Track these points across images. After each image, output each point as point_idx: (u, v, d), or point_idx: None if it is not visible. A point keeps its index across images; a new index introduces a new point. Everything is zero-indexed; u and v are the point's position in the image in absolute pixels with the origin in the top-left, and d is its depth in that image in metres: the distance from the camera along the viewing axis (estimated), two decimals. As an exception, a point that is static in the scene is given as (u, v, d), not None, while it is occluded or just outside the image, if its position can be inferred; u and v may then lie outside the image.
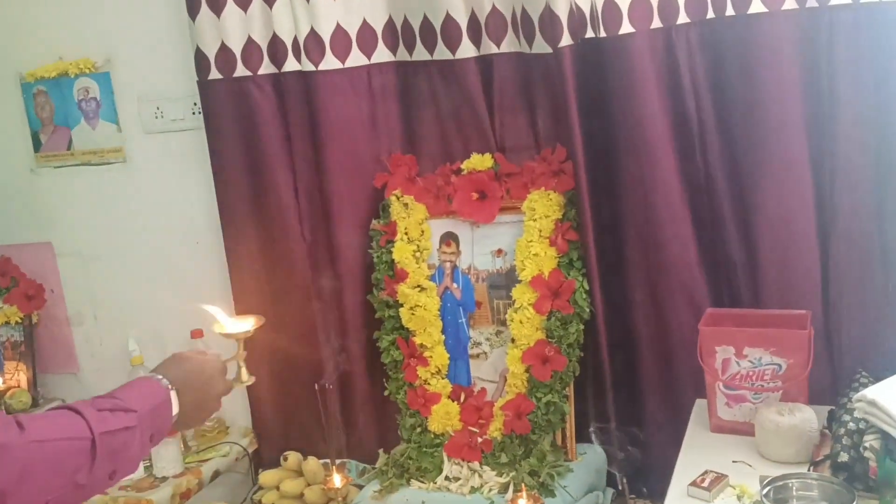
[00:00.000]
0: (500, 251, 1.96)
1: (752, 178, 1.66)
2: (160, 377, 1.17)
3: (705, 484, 1.39)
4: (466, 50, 1.88)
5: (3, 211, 2.52)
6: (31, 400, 2.51)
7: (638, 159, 1.72)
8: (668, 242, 1.75)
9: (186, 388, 1.19)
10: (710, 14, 1.64)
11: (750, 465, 1.46)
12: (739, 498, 1.37)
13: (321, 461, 2.06)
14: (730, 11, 1.61)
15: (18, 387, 2.49)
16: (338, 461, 2.08)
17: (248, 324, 1.35)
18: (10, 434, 0.97)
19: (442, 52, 1.91)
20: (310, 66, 1.98)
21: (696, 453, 1.54)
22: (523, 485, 1.67)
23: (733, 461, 1.48)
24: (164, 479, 2.09)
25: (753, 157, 1.65)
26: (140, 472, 2.11)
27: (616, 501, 1.88)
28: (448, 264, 2.02)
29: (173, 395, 1.16)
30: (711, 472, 1.42)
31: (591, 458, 1.88)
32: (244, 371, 1.35)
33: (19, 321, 2.51)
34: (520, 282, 1.87)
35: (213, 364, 1.27)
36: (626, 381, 1.88)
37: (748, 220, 1.68)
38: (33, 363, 2.54)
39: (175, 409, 1.17)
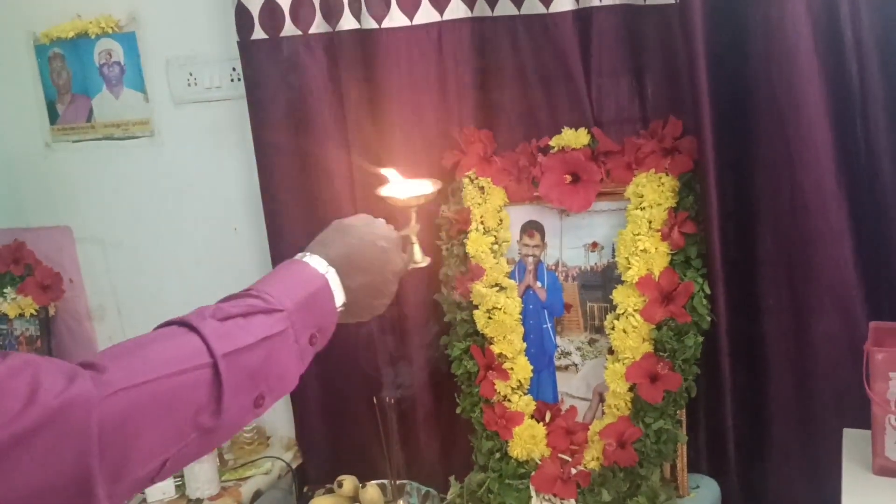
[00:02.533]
0: (595, 245, 1.65)
1: None
2: (315, 257, 0.94)
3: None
4: (564, 2, 1.56)
5: (16, 191, 2.26)
6: (48, 401, 2.26)
7: (784, 134, 1.40)
8: (817, 237, 1.42)
9: (352, 267, 0.96)
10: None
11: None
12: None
13: (377, 482, 1.78)
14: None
15: (34, 388, 2.23)
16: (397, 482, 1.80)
17: (424, 187, 1.12)
18: (82, 387, 0.68)
19: (532, 6, 1.59)
20: (371, 24, 1.66)
21: (859, 500, 1.23)
22: (638, 534, 1.37)
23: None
24: (199, 501, 1.82)
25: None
26: (171, 493, 1.84)
27: (733, 544, 1.59)
28: (531, 259, 1.71)
29: (334, 277, 0.93)
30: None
31: (705, 494, 1.58)
32: (418, 249, 1.11)
33: (35, 314, 2.24)
34: (622, 282, 1.56)
35: (385, 233, 1.03)
36: (751, 403, 1.56)
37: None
38: (51, 361, 2.28)
39: (340, 299, 0.94)
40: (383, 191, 1.16)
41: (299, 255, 0.96)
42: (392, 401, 1.79)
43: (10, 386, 0.64)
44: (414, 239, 1.12)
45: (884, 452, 1.29)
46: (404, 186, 1.15)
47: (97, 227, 2.18)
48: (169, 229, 2.10)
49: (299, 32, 1.73)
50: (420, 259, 1.12)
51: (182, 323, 0.80)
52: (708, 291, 1.50)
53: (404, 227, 1.12)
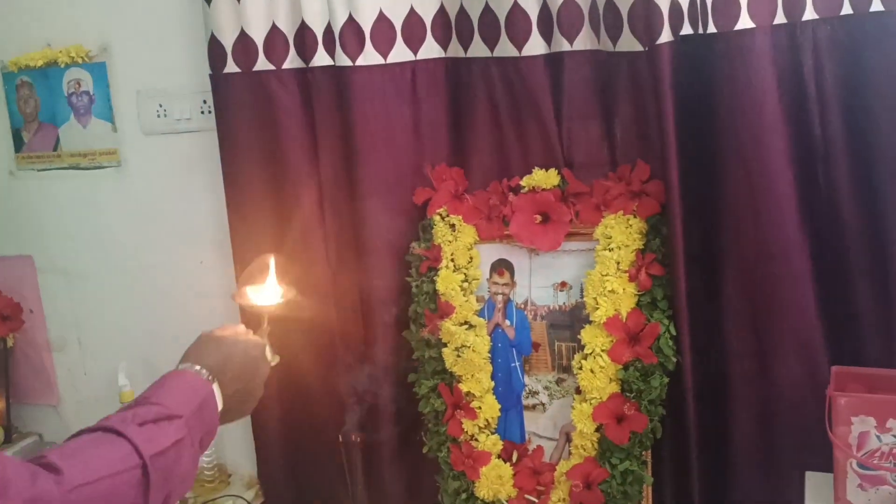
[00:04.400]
0: (563, 284, 1.67)
1: (891, 210, 1.37)
2: (197, 367, 1.04)
3: None
4: (535, 46, 1.59)
5: (-22, 219, 2.21)
6: (2, 434, 2.20)
7: (748, 181, 1.43)
8: (780, 281, 1.45)
9: (227, 375, 1.07)
10: (847, 10, 1.35)
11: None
12: None
13: (341, 522, 1.76)
14: (876, 6, 1.32)
15: (-11, 420, 2.17)
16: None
17: (274, 295, 1.23)
18: (45, 484, 0.80)
19: (505, 48, 1.61)
20: (345, 61, 1.67)
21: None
22: (605, 577, 1.37)
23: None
24: (156, 540, 1.77)
25: (893, 186, 1.36)
26: (128, 532, 1.79)
27: (698, 587, 1.59)
28: (500, 297, 1.71)
29: (215, 386, 1.04)
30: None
31: (670, 535, 1.58)
32: (269, 350, 1.20)
33: (-8, 345, 2.19)
34: (590, 322, 1.58)
35: (252, 342, 1.15)
36: (714, 445, 1.58)
37: (884, 261, 1.39)
38: (7, 392, 2.22)
39: (220, 405, 1.05)
40: (238, 298, 1.28)
41: (183, 365, 1.06)
42: (357, 439, 1.77)
43: None
44: (265, 340, 1.22)
45: (846, 496, 1.31)
46: (260, 292, 1.27)
47: (60, 257, 2.15)
48: (134, 261, 2.07)
49: (272, 67, 1.73)
50: (271, 358, 1.22)
51: (107, 429, 0.90)
52: (674, 333, 1.52)
53: (258, 329, 1.23)
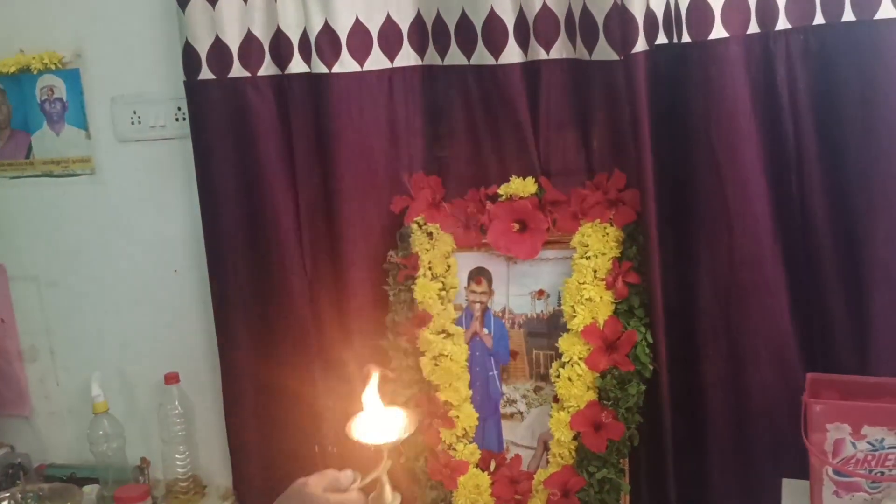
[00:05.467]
0: (541, 292, 1.66)
1: (862, 219, 1.38)
2: None
3: None
4: (512, 54, 1.59)
5: (-53, 226, 2.17)
6: (-28, 447, 2.16)
7: (722, 190, 1.44)
8: (754, 289, 1.46)
9: None
10: (819, 19, 1.37)
11: (876, 577, 1.18)
12: None
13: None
14: (848, 16, 1.34)
15: (-43, 433, 2.13)
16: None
17: (397, 428, 1.10)
18: None
19: (482, 56, 1.61)
20: (321, 68, 1.67)
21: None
22: (582, 587, 1.36)
23: (854, 570, 1.19)
24: (130, 553, 1.75)
25: (866, 195, 1.37)
26: (101, 547, 1.77)
27: None
28: (478, 306, 1.71)
29: None
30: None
31: (647, 543, 1.58)
32: (388, 490, 1.09)
33: (-39, 355, 2.15)
34: (568, 330, 1.57)
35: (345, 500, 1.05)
36: (690, 452, 1.58)
37: (855, 269, 1.40)
38: (-23, 404, 2.18)
39: None
40: (355, 433, 1.14)
41: None
42: (334, 450, 1.76)
43: None
44: (385, 479, 1.10)
45: (822, 503, 1.31)
46: (376, 426, 1.13)
47: (32, 265, 2.11)
48: (107, 269, 2.04)
49: (248, 74, 1.72)
50: (390, 501, 1.10)
51: None
52: (650, 340, 1.52)
53: (375, 468, 1.11)
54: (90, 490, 1.98)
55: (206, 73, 1.73)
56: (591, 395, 1.54)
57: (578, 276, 1.56)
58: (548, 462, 1.61)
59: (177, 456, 1.95)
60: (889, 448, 1.25)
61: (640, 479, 1.61)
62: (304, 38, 1.67)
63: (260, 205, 1.78)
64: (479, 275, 1.71)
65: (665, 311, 1.52)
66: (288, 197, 1.78)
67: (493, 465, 1.65)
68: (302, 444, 1.82)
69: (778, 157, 1.42)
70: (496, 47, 1.59)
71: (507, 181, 1.65)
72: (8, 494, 1.91)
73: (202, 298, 1.92)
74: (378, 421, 1.12)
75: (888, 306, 1.38)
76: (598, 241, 1.56)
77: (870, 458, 1.26)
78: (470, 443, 1.66)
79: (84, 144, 1.99)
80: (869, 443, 1.26)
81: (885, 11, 1.31)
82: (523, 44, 1.59)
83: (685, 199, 1.50)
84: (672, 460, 1.58)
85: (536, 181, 1.64)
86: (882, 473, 1.26)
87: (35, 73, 1.97)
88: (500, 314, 1.69)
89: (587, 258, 1.56)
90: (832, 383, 1.36)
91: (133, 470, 1.96)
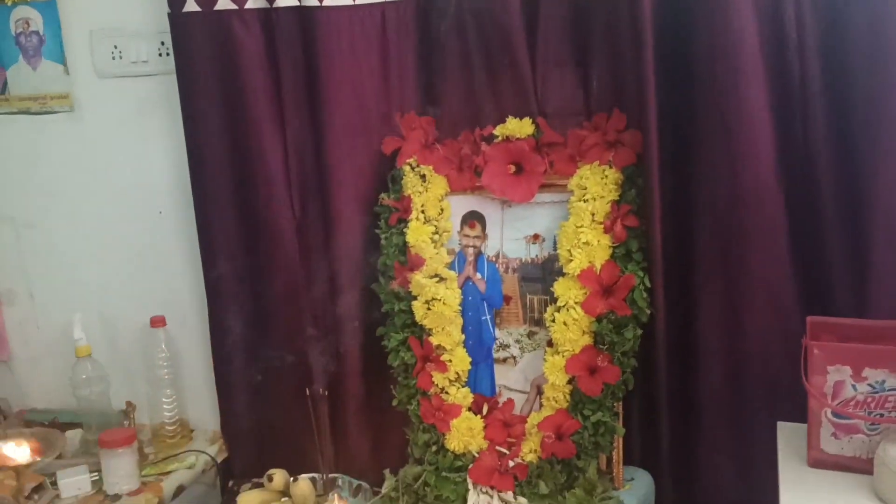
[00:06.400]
0: (536, 237, 1.64)
1: (867, 162, 1.35)
2: None
3: (831, 545, 1.10)
4: (512, -14, 1.54)
5: (-81, 166, 2.09)
6: (-49, 392, 2.12)
7: (726, 129, 1.40)
8: (754, 232, 1.44)
9: None
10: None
11: (872, 517, 1.18)
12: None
13: (307, 476, 1.72)
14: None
15: (-65, 378, 2.08)
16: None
17: None
18: None
19: (480, -12, 1.56)
20: (311, 1, 1.60)
21: (796, 494, 1.24)
22: (578, 528, 1.36)
23: (848, 510, 1.20)
24: (118, 497, 1.72)
25: (872, 137, 1.34)
26: (87, 488, 1.74)
27: (665, 536, 1.60)
28: (471, 250, 1.68)
29: None
30: (834, 528, 1.13)
31: (639, 486, 1.58)
32: None
33: (-63, 298, 2.09)
34: (564, 275, 1.55)
35: None
36: (685, 396, 1.57)
37: (857, 211, 1.38)
38: (-46, 348, 2.13)
39: None
40: None
41: None
42: (324, 392, 1.74)
43: None
44: None
45: (819, 445, 1.31)
46: None
47: (10, 206, 2.04)
48: (88, 211, 1.98)
49: (234, 6, 1.65)
50: None
51: None
52: (648, 285, 1.50)
53: None
54: (73, 435, 1.95)
55: (191, 5, 1.66)
56: (587, 340, 1.53)
57: (576, 220, 1.53)
58: (541, 406, 1.60)
59: (163, 400, 1.92)
60: (889, 390, 1.24)
61: (632, 423, 1.61)
62: (294, -32, 1.60)
63: (246, 144, 1.73)
64: (472, 218, 1.68)
65: (664, 255, 1.50)
66: (275, 136, 1.72)
67: (485, 409, 1.64)
68: (291, 387, 1.80)
69: (783, 95, 1.39)
70: (496, -22, 1.54)
71: (503, 121, 1.62)
72: (-12, 439, 1.88)
73: (188, 240, 1.88)
74: None
75: (889, 250, 1.37)
76: (596, 184, 1.53)
77: (870, 400, 1.26)
78: (462, 387, 1.65)
79: (62, 80, 1.92)
80: (870, 385, 1.25)
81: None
82: (523, -26, 1.54)
83: (687, 140, 1.46)
84: (666, 404, 1.57)
85: (533, 122, 1.60)
86: (881, 415, 1.26)
87: (9, 4, 1.89)
88: (494, 258, 1.67)
89: (585, 201, 1.53)
90: (833, 326, 1.35)
91: (118, 414, 1.93)
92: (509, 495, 1.52)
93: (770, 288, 1.46)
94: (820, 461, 1.31)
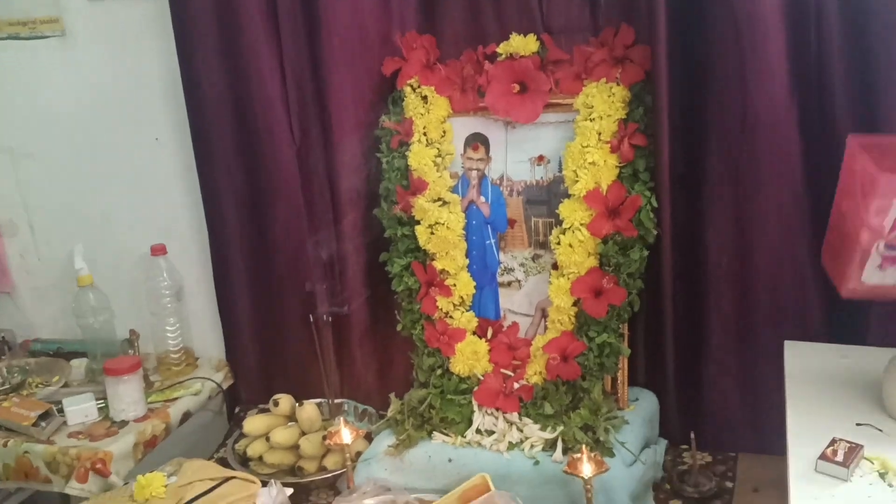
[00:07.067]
0: (541, 158, 1.61)
1: (881, 74, 1.31)
2: None
3: (839, 457, 1.10)
4: None
5: None
6: (-46, 323, 2.12)
7: (739, 44, 1.36)
8: (766, 151, 1.41)
9: None
10: None
11: (880, 430, 1.18)
12: (882, 475, 1.09)
13: (313, 401, 1.73)
14: None
15: (-62, 309, 2.08)
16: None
17: None
18: None
19: None
20: (307, -86, 1.54)
21: (802, 411, 1.24)
22: (584, 446, 1.36)
23: (857, 424, 1.19)
24: (124, 423, 1.73)
25: (887, 53, 1.29)
26: (94, 416, 1.75)
27: (670, 454, 1.61)
28: (474, 173, 1.65)
29: None
30: (843, 441, 1.12)
31: (644, 406, 1.59)
32: None
33: (-65, 231, 2.07)
34: (569, 196, 1.53)
35: None
36: (691, 317, 1.57)
37: (872, 129, 1.34)
38: (-44, 281, 2.13)
39: None
40: None
41: None
42: (328, 318, 1.74)
43: None
44: None
45: (860, 277, 1.22)
46: None
47: (4, 135, 2.01)
48: (84, 139, 1.95)
49: (228, -78, 1.59)
50: None
51: None
52: (655, 205, 1.48)
53: None
54: (78, 364, 1.96)
55: (182, -82, 1.60)
56: (592, 262, 1.51)
57: (581, 140, 1.50)
58: (546, 329, 1.60)
59: (167, 328, 1.92)
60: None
61: (637, 344, 1.61)
62: None
63: (244, 67, 1.69)
64: (476, 140, 1.64)
65: (672, 175, 1.47)
66: (273, 59, 1.68)
67: (490, 333, 1.64)
68: (296, 314, 1.80)
69: (797, 11, 1.34)
70: None
71: (507, 39, 1.56)
72: (-6, 368, 1.89)
73: (186, 167, 1.85)
74: None
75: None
76: (603, 102, 1.49)
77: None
78: (467, 311, 1.64)
79: (51, 3, 1.86)
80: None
81: None
82: None
83: (698, 56, 1.42)
84: (672, 325, 1.57)
85: (538, 39, 1.55)
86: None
87: (-8, -78, 1.82)
88: (498, 181, 1.64)
89: (591, 120, 1.49)
90: (874, 146, 1.26)
91: (122, 343, 1.93)
92: (514, 416, 1.52)
93: (781, 209, 1.44)
94: (854, 292, 1.22)
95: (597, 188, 1.49)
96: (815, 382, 1.30)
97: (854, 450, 1.11)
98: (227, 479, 1.43)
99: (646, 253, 1.49)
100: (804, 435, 1.16)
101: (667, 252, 1.52)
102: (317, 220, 1.76)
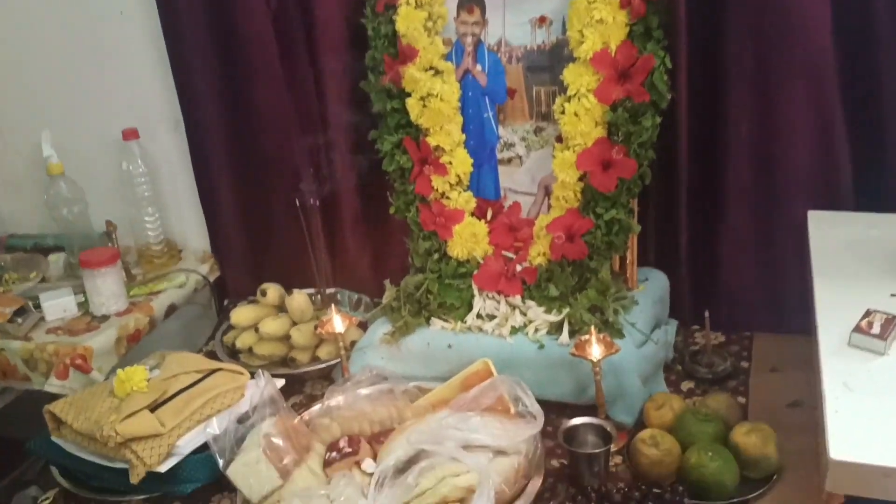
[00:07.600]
0: (542, 19, 1.45)
1: None
2: None
3: (875, 330, 1.01)
4: None
5: None
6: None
7: None
8: (795, 10, 1.26)
9: None
10: None
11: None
12: (921, 347, 1.00)
13: (304, 291, 1.64)
14: None
15: None
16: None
17: None
18: None
19: None
20: None
21: (829, 280, 1.15)
22: (592, 328, 1.28)
23: (892, 294, 1.10)
24: (105, 317, 1.65)
25: None
26: (73, 310, 1.66)
27: (681, 335, 1.53)
28: (469, 38, 1.50)
29: None
30: (878, 312, 1.03)
31: (654, 286, 1.50)
32: None
33: None
34: (574, 60, 1.38)
35: None
36: (707, 190, 1.46)
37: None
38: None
39: None
40: None
41: None
42: (317, 203, 1.62)
43: None
44: None
45: None
46: None
47: (-44, 16, 1.84)
48: (43, 15, 1.78)
49: None
50: None
51: None
52: (669, 66, 1.33)
53: None
54: (56, 258, 1.86)
55: None
56: (600, 132, 1.38)
57: (588, -6, 1.34)
58: (549, 208, 1.49)
59: (146, 219, 1.81)
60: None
61: (649, 221, 1.50)
62: None
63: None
64: (470, 2, 1.49)
65: (689, 33, 1.33)
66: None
67: (489, 214, 1.53)
68: (281, 198, 1.68)
69: None
70: None
71: None
72: (-32, 265, 1.79)
73: (154, 43, 1.69)
74: None
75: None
76: (611, -50, 1.33)
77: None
78: (464, 191, 1.53)
79: None
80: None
81: None
82: None
83: None
84: (686, 200, 1.46)
85: None
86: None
87: None
88: (496, 47, 1.50)
89: (598, -29, 1.33)
90: None
91: (100, 236, 1.83)
92: (517, 300, 1.43)
93: (808, 70, 1.30)
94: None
95: (605, 49, 1.34)
96: (843, 253, 1.21)
97: (891, 321, 1.02)
98: (213, 371, 1.35)
99: (658, 120, 1.35)
100: (834, 308, 1.07)
101: (682, 119, 1.40)
102: (298, 95, 1.62)
